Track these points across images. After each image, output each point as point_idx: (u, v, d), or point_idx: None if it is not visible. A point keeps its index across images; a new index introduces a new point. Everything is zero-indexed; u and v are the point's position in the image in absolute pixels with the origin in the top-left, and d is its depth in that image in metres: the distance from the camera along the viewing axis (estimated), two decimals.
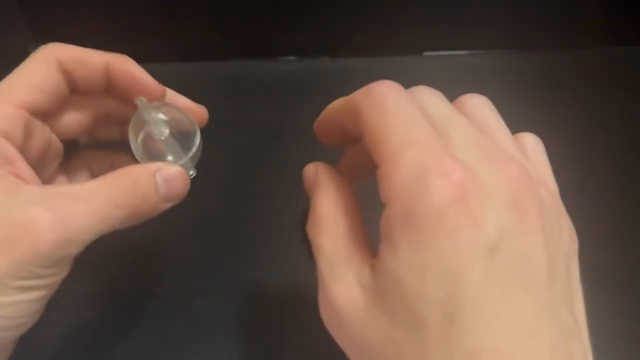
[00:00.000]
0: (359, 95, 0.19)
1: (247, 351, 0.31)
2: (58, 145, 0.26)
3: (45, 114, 0.24)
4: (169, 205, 0.24)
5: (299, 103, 0.51)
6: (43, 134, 0.25)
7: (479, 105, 0.20)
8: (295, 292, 0.34)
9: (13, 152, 0.22)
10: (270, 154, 0.45)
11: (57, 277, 0.22)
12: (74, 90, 0.26)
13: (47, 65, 0.25)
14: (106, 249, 0.39)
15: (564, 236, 0.17)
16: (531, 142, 0.21)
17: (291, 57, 0.57)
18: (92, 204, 0.21)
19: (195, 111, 0.30)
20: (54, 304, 0.35)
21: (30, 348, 0.32)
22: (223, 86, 0.54)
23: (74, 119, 0.26)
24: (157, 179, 0.23)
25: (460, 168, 0.16)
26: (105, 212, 0.21)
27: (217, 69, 0.57)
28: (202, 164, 0.46)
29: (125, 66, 0.26)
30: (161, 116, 0.27)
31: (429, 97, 0.20)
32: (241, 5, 0.54)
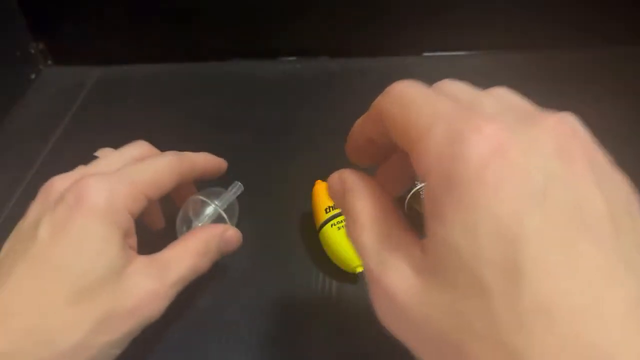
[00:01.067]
0: (379, 98, 0.19)
1: (247, 351, 0.31)
2: None
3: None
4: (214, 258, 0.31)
5: (299, 103, 0.51)
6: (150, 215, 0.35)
7: (506, 91, 0.19)
8: (296, 292, 0.34)
9: (133, 227, 0.28)
10: (270, 153, 0.45)
11: None
12: None
13: (173, 174, 0.30)
14: None
15: (621, 190, 0.16)
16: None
17: (291, 57, 0.57)
18: (182, 265, 0.29)
19: (216, 164, 0.35)
20: None
21: None
22: (223, 86, 0.54)
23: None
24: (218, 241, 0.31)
25: (494, 122, 0.15)
26: (194, 265, 0.29)
27: (217, 69, 0.57)
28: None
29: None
30: (210, 211, 0.35)
31: (454, 85, 0.20)
32: (241, 5, 0.54)
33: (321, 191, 0.36)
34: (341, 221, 0.34)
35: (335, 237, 0.33)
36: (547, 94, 0.48)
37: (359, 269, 0.33)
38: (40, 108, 0.53)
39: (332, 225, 0.34)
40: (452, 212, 0.15)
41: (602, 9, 0.51)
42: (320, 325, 0.32)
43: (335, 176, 0.21)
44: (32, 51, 0.57)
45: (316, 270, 0.35)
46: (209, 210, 0.35)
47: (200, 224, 0.34)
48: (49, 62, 0.59)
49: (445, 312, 0.15)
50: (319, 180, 0.37)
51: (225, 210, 0.34)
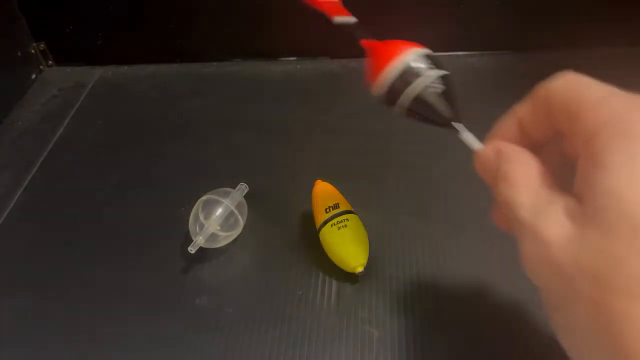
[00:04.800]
0: (546, 84, 0.21)
1: (247, 351, 0.31)
2: None
3: None
4: None
5: (299, 103, 0.51)
6: None
7: None
8: (296, 292, 0.34)
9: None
10: (270, 153, 0.45)
11: None
12: None
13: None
14: (108, 246, 0.39)
15: None
16: None
17: (291, 58, 0.57)
18: None
19: None
20: (52, 302, 0.35)
21: (25, 343, 0.32)
22: (223, 86, 0.54)
23: None
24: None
25: None
26: None
27: (217, 69, 0.57)
28: (202, 163, 0.46)
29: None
30: (221, 210, 0.35)
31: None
32: (241, 5, 0.54)
33: (321, 191, 0.36)
34: (342, 221, 0.34)
35: (335, 237, 0.33)
36: None
37: (359, 269, 0.33)
38: (41, 108, 0.54)
39: (332, 225, 0.34)
40: (618, 160, 0.16)
41: (603, 9, 0.51)
42: (321, 325, 0.32)
43: (488, 147, 0.22)
44: (33, 51, 0.57)
45: (316, 269, 0.35)
46: (221, 209, 0.35)
47: (212, 224, 0.35)
48: (50, 62, 0.59)
49: (602, 256, 0.16)
50: (319, 180, 0.37)
51: (235, 208, 0.35)
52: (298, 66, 0.56)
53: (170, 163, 0.45)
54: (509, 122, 0.23)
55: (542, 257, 0.18)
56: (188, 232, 0.35)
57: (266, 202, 0.40)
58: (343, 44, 0.57)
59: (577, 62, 0.51)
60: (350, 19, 0.28)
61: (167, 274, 0.36)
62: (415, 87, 0.24)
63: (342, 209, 0.34)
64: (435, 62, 0.25)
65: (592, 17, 0.52)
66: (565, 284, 0.17)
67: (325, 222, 0.34)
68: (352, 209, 0.35)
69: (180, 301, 0.34)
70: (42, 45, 0.58)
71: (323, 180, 0.37)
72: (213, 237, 0.35)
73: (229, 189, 0.36)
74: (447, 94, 0.24)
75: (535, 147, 0.22)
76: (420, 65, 0.24)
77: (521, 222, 0.19)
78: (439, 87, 0.24)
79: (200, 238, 0.34)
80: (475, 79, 0.51)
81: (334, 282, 0.34)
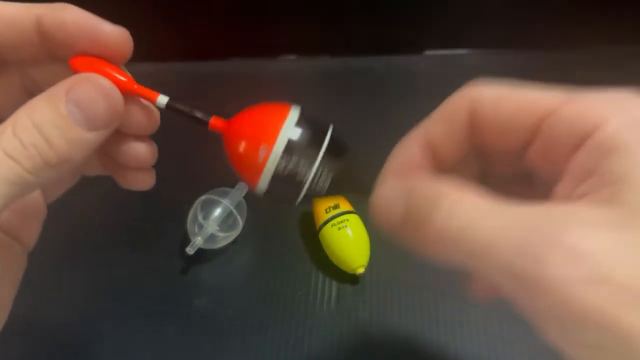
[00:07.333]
0: (460, 98, 0.19)
1: (247, 351, 0.31)
2: None
3: None
4: (98, 134, 0.18)
5: (299, 102, 0.51)
6: None
7: None
8: (296, 292, 0.34)
9: None
10: None
11: None
12: None
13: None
14: (106, 247, 0.39)
15: None
16: None
17: (291, 56, 0.57)
18: None
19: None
20: (51, 301, 0.35)
21: (26, 343, 0.32)
22: (223, 85, 0.54)
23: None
24: (63, 107, 0.17)
25: None
26: (3, 171, 0.17)
27: (217, 68, 0.57)
28: (202, 163, 0.46)
29: (63, 15, 0.19)
30: (220, 210, 0.35)
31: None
32: (241, 4, 0.53)
33: None
34: (342, 221, 0.34)
35: (335, 237, 0.33)
36: None
37: (360, 270, 0.33)
38: None
39: (332, 226, 0.34)
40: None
41: (603, 9, 0.51)
42: (320, 325, 0.32)
43: (391, 185, 0.18)
44: None
45: (316, 270, 0.35)
46: (220, 209, 0.35)
47: (211, 225, 0.34)
48: None
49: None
50: None
51: (235, 208, 0.35)
52: (298, 65, 0.56)
53: (169, 162, 0.45)
54: (412, 148, 0.19)
55: (592, 278, 0.12)
56: (186, 232, 0.35)
57: (266, 202, 0.40)
58: (343, 42, 0.57)
59: (576, 62, 0.52)
60: (163, 100, 0.21)
61: (166, 275, 0.36)
62: (300, 192, 0.19)
63: (342, 209, 0.34)
64: (309, 135, 0.19)
65: (593, 17, 0.52)
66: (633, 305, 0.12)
67: (326, 222, 0.34)
68: (353, 209, 0.35)
69: (179, 302, 0.34)
70: None
71: None
72: (212, 237, 0.35)
73: (228, 189, 0.36)
74: (339, 176, 0.20)
75: (442, 170, 0.19)
76: (293, 159, 0.19)
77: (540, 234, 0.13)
78: (326, 181, 0.19)
79: (199, 239, 0.34)
80: (476, 79, 0.51)
81: (334, 283, 0.34)
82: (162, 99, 0.20)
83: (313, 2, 0.52)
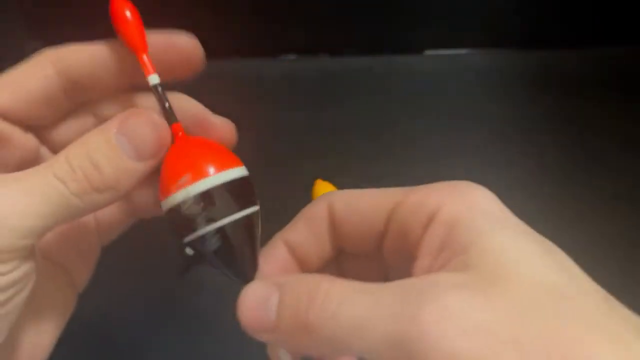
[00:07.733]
0: (317, 207, 0.21)
1: (247, 351, 0.31)
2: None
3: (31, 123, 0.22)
4: (145, 164, 0.19)
5: (299, 102, 0.51)
6: (24, 144, 0.21)
7: None
8: None
9: None
10: (270, 152, 0.45)
11: (16, 273, 0.17)
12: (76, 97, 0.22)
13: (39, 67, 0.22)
14: (105, 246, 0.39)
15: None
16: None
17: (291, 56, 0.57)
18: (26, 184, 0.17)
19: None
20: None
21: None
22: (223, 85, 0.54)
23: (73, 132, 0.22)
24: (114, 138, 0.19)
25: None
26: (47, 191, 0.17)
27: (217, 68, 0.57)
28: None
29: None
30: None
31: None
32: (241, 4, 0.53)
33: (321, 191, 0.36)
34: None
35: None
36: (547, 93, 0.49)
37: None
38: None
39: None
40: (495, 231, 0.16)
41: (602, 9, 0.51)
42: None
43: (260, 283, 0.19)
44: (30, 51, 0.57)
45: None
46: None
47: None
48: None
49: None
50: (319, 180, 0.37)
51: None
52: (298, 65, 0.56)
53: None
54: (278, 251, 0.21)
55: (469, 331, 0.13)
56: None
57: (266, 202, 0.40)
58: (343, 42, 0.57)
59: (576, 62, 0.52)
60: (154, 80, 0.21)
61: (165, 275, 0.36)
62: (186, 236, 0.21)
63: None
64: (227, 199, 0.20)
65: (593, 16, 0.52)
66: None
67: None
68: None
69: (179, 302, 0.34)
70: (39, 45, 0.57)
71: (323, 180, 0.37)
72: None
73: None
74: (225, 249, 0.20)
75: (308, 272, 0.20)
76: (199, 206, 0.19)
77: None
78: (215, 243, 0.20)
79: None
80: (476, 79, 0.51)
81: None
82: (153, 79, 0.21)
83: (313, 2, 0.52)
